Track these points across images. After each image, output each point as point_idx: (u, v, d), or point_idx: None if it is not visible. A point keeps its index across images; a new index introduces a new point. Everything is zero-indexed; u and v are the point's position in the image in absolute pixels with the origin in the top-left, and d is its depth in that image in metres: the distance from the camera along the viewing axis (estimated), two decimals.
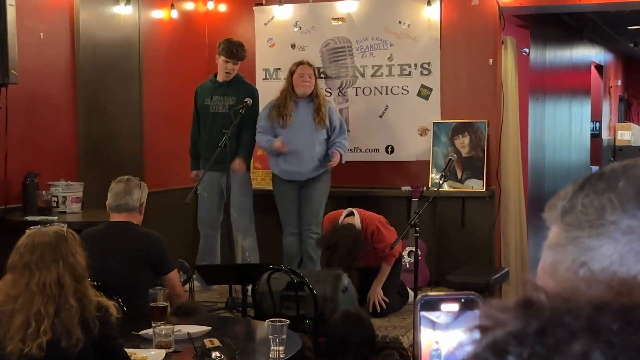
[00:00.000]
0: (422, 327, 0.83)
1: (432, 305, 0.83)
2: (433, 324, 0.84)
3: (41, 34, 5.55)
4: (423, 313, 0.83)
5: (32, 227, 2.95)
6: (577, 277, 0.71)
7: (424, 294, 0.86)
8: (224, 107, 6.01)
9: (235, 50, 5.98)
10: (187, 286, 5.07)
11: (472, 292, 0.83)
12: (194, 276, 5.33)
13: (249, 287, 4.97)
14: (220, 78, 6.08)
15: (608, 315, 0.56)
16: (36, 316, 2.69)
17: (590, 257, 0.72)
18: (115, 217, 4.19)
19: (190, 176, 6.17)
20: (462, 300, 0.83)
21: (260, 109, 6.10)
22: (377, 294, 5.38)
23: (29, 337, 2.67)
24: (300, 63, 6.00)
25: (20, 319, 2.69)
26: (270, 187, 6.29)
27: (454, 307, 0.83)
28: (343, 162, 6.00)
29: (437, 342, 0.85)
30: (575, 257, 0.73)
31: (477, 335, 0.58)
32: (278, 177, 6.06)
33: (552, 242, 0.76)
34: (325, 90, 6.72)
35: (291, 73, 5.99)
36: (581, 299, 0.58)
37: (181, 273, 4.77)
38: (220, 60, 6.02)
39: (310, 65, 6.01)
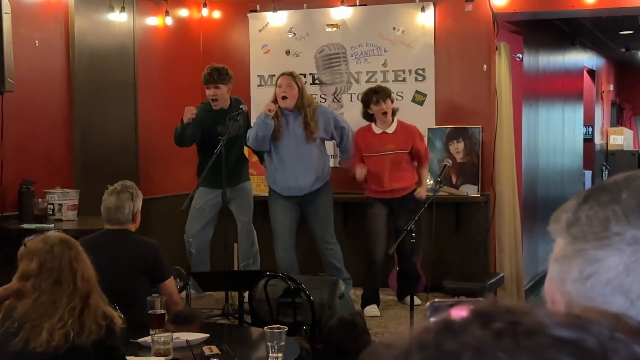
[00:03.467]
0: None
1: (442, 311, 0.85)
2: None
3: (36, 41, 5.56)
4: (433, 320, 0.84)
5: (28, 237, 2.99)
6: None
7: (433, 300, 0.87)
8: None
9: (209, 75, 5.85)
10: (183, 293, 5.07)
11: (482, 299, 0.84)
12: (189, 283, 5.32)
13: (246, 294, 4.97)
14: (212, 105, 5.94)
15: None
16: (61, 318, 2.74)
17: (597, 268, 0.74)
18: (110, 226, 4.19)
19: (188, 114, 5.82)
20: (472, 307, 0.84)
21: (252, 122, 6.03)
22: (426, 192, 5.72)
23: (55, 337, 2.74)
24: (282, 74, 5.85)
25: (46, 321, 2.74)
26: (264, 194, 6.30)
27: (464, 313, 0.84)
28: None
29: None
30: (582, 269, 0.75)
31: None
32: (276, 193, 5.91)
33: (558, 255, 0.78)
34: (320, 96, 6.73)
35: (275, 84, 5.91)
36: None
37: (178, 280, 4.77)
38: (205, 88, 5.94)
39: (290, 74, 5.81)
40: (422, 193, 5.76)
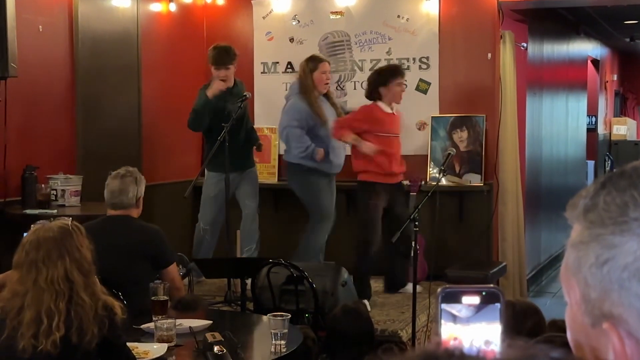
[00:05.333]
0: (443, 321, 0.84)
1: (453, 297, 0.84)
2: (454, 318, 0.85)
3: (40, 27, 5.54)
4: (444, 306, 0.84)
5: (38, 222, 2.94)
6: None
7: (444, 286, 0.87)
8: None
9: (219, 57, 5.83)
10: (186, 280, 5.07)
11: (494, 286, 0.84)
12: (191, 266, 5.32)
13: (248, 281, 4.97)
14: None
15: None
16: (47, 312, 2.68)
17: (614, 253, 0.73)
18: (112, 212, 4.19)
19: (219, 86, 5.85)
20: (483, 293, 0.84)
21: (265, 101, 6.10)
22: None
23: (42, 334, 2.66)
24: (319, 60, 5.89)
25: (31, 315, 2.68)
26: (269, 181, 6.30)
27: (475, 299, 0.84)
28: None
29: (455, 339, 0.86)
30: (599, 254, 0.74)
31: None
32: (316, 171, 5.83)
33: (575, 240, 0.77)
34: None
35: (310, 70, 5.82)
36: None
37: (180, 267, 4.77)
38: (212, 69, 5.91)
39: (329, 61, 6.03)
40: None
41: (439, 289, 0.86)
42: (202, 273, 5.59)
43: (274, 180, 6.79)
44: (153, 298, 3.69)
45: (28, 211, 5.14)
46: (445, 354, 0.62)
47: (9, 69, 4.73)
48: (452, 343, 0.64)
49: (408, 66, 6.59)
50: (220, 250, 6.08)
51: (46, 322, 2.67)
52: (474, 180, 6.42)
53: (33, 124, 5.53)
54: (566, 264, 0.78)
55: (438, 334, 0.84)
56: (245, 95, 5.76)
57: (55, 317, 2.67)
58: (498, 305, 0.82)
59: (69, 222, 2.90)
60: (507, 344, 0.63)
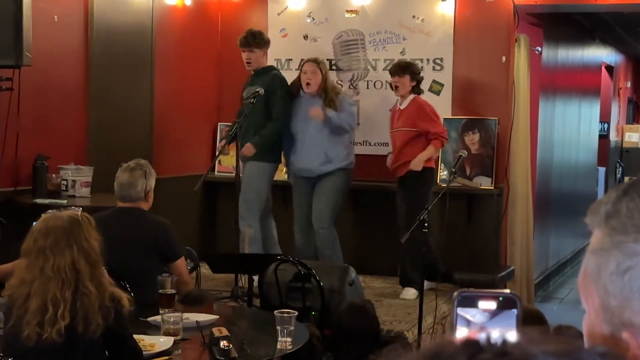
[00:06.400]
0: (457, 326, 0.83)
1: (470, 301, 0.83)
2: (468, 323, 0.83)
3: (55, 16, 5.55)
4: (459, 310, 0.83)
5: (48, 211, 2.94)
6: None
7: (461, 289, 0.86)
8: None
9: (244, 39, 6.01)
10: (193, 274, 5.07)
11: (512, 292, 0.83)
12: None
13: (255, 277, 4.96)
14: (247, 68, 6.11)
15: None
16: (53, 301, 2.68)
17: (636, 262, 0.72)
18: (122, 204, 4.19)
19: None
20: (500, 298, 0.82)
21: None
22: (417, 164, 5.62)
23: (47, 322, 2.66)
24: (307, 60, 6.01)
25: (37, 303, 2.68)
26: (281, 179, 6.30)
27: (492, 305, 0.82)
28: (328, 122, 5.83)
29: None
30: (620, 262, 0.73)
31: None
32: (293, 175, 6.10)
33: (596, 247, 0.76)
34: (337, 82, 6.70)
35: (300, 69, 6.06)
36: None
37: (188, 261, 4.77)
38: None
39: (315, 61, 5.95)
40: (413, 163, 5.67)
41: (455, 293, 0.85)
42: (210, 267, 5.59)
43: (283, 177, 6.78)
44: (160, 291, 3.69)
45: (38, 200, 5.15)
46: (488, 346, 0.61)
47: (23, 58, 4.73)
48: (480, 335, 0.62)
49: (422, 67, 6.57)
50: (229, 245, 6.09)
51: (51, 310, 2.67)
52: (485, 183, 6.40)
53: (45, 114, 5.54)
54: (585, 271, 0.77)
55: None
56: (258, 91, 5.76)
57: (60, 306, 2.68)
58: (515, 311, 0.81)
59: (79, 213, 2.91)
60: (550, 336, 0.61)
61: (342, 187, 5.96)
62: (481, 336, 0.63)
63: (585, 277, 0.77)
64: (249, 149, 5.84)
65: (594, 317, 0.76)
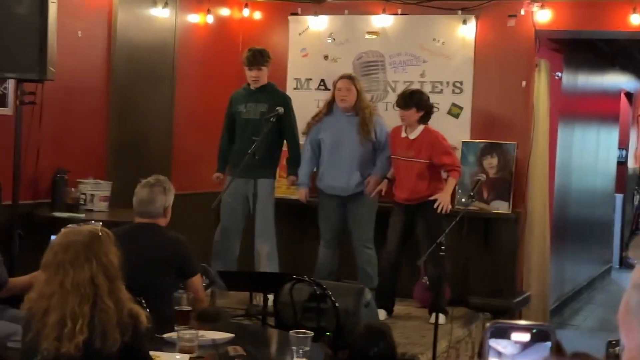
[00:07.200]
0: (489, 357, 0.82)
1: (502, 333, 0.82)
2: (499, 355, 0.83)
3: (79, 32, 5.60)
4: (492, 341, 0.82)
5: (69, 225, 2.95)
6: None
7: (494, 320, 0.85)
8: (256, 114, 6.03)
9: (252, 57, 6.06)
10: (208, 291, 5.06)
11: (546, 324, 0.82)
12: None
13: (270, 296, 4.95)
14: (251, 86, 6.13)
15: None
16: (71, 315, 2.68)
17: None
18: (140, 220, 4.20)
19: (213, 177, 6.20)
20: (534, 330, 0.82)
21: (296, 117, 6.13)
22: (447, 200, 5.55)
23: (66, 337, 2.66)
24: (341, 77, 6.05)
25: (55, 317, 2.68)
26: (294, 197, 6.30)
27: (525, 337, 0.82)
28: (382, 187, 5.97)
29: None
30: None
31: None
32: (321, 191, 6.12)
33: (638, 281, 0.75)
34: None
35: (334, 86, 6.07)
36: None
37: (204, 278, 4.76)
38: (245, 70, 6.11)
39: (350, 78, 6.02)
40: (440, 199, 5.59)
41: (488, 324, 0.84)
42: (226, 285, 5.59)
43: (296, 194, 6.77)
44: (176, 308, 3.68)
45: (57, 214, 5.17)
46: None
47: (47, 72, 4.77)
48: None
49: (441, 89, 6.58)
50: (245, 263, 6.09)
51: (70, 324, 2.67)
52: (502, 207, 6.37)
53: (67, 128, 5.58)
54: (626, 306, 0.76)
55: None
56: (277, 110, 5.78)
57: (79, 320, 2.68)
58: (548, 344, 0.81)
59: (99, 228, 2.91)
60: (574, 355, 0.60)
61: (376, 206, 6.05)
62: None
63: (627, 312, 0.75)
64: (292, 181, 6.18)
65: (634, 353, 0.75)
